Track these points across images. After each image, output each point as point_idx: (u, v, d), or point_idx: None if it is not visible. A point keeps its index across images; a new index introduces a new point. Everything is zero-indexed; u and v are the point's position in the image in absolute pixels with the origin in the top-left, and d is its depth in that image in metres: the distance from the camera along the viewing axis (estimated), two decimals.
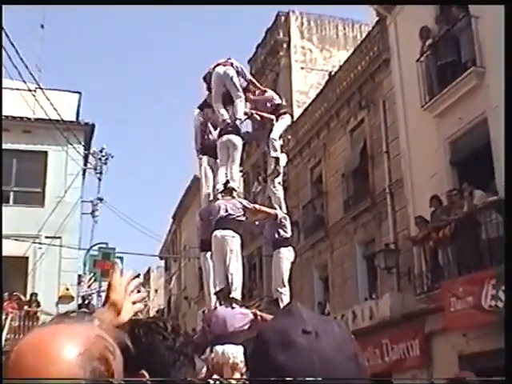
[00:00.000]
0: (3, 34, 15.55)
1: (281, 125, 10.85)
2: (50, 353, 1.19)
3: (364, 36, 23.76)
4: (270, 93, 11.34)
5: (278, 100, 11.20)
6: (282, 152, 11.10)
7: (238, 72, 10.59)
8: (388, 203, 19.06)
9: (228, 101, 10.60)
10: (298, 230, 21.70)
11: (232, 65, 10.63)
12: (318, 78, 28.09)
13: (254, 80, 11.36)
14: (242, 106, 10.54)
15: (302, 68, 28.85)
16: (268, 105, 10.90)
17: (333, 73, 24.51)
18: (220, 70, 10.56)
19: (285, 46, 29.39)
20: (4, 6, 14.13)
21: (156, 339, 2.31)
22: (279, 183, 10.72)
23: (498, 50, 14.58)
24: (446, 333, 15.25)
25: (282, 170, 10.65)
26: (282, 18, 30.01)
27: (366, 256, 20.73)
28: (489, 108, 14.96)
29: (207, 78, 10.85)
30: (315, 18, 30.15)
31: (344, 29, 30.42)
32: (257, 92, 11.10)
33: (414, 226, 16.95)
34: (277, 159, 10.57)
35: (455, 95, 15.98)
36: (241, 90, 10.52)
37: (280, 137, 10.81)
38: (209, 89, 10.89)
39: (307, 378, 1.33)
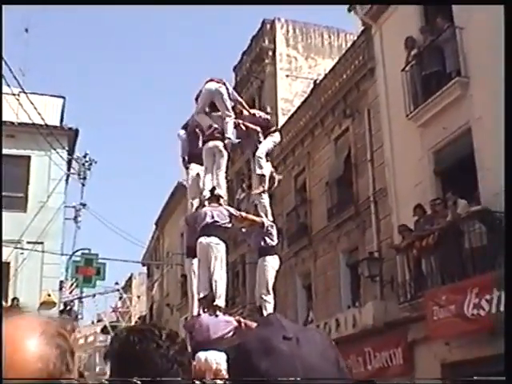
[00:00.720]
0: None
1: (269, 142, 10.84)
2: (17, 340, 1.26)
3: (349, 45, 23.83)
4: (258, 113, 11.37)
5: (267, 117, 11.24)
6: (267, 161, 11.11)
7: (228, 93, 10.58)
8: (372, 212, 19.10)
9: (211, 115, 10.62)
10: (281, 238, 21.64)
11: (225, 84, 10.64)
12: (303, 86, 28.15)
13: (243, 102, 11.37)
14: (231, 126, 10.54)
15: (287, 76, 28.90)
16: (259, 120, 10.91)
17: (318, 81, 24.57)
18: (212, 85, 10.55)
19: (270, 53, 29.42)
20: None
21: (150, 347, 2.29)
22: (263, 186, 10.72)
23: (483, 61, 14.72)
24: (428, 341, 15.29)
25: (266, 187, 10.62)
26: (268, 25, 30.05)
27: (350, 264, 20.75)
28: (472, 118, 15.06)
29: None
30: (301, 26, 30.21)
31: (329, 37, 30.50)
32: (244, 112, 11.09)
33: (397, 235, 17.00)
34: (262, 177, 10.55)
35: (439, 105, 16.06)
36: (231, 109, 10.52)
37: (267, 154, 10.79)
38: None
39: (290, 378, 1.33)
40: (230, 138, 10.53)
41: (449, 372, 14.67)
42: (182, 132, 11.18)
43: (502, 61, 13.82)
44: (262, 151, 10.60)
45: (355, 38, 23.10)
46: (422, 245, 15.27)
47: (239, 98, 11.20)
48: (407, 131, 17.33)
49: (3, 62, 17.13)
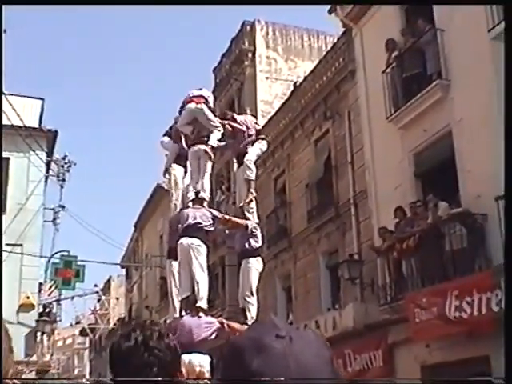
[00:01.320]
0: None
1: (257, 149, 10.82)
2: None
3: (329, 47, 23.87)
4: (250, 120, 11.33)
5: (258, 126, 11.22)
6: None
7: (209, 108, 10.59)
8: (352, 214, 19.11)
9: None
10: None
11: (206, 100, 10.62)
12: (283, 88, 28.17)
13: (232, 124, 11.35)
14: (216, 136, 10.53)
15: (267, 78, 28.91)
16: (249, 126, 10.87)
17: (298, 83, 24.57)
18: (192, 105, 10.52)
19: (250, 55, 29.41)
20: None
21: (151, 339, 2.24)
22: (251, 193, 10.69)
23: (464, 63, 14.78)
24: (408, 343, 15.32)
25: (254, 194, 10.59)
26: (248, 27, 30.04)
27: (330, 266, 20.75)
28: (453, 120, 15.11)
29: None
30: (280, 28, 30.24)
31: (309, 39, 30.55)
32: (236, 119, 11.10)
33: (377, 237, 17.01)
34: (250, 181, 10.53)
35: (420, 107, 16.10)
36: (215, 120, 10.51)
37: (255, 161, 10.78)
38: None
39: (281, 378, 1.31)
40: (212, 146, 10.55)
41: (429, 374, 14.70)
42: (167, 139, 11.15)
43: (483, 63, 13.98)
44: (251, 157, 10.57)
45: (335, 40, 23.15)
46: (402, 247, 15.29)
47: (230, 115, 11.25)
48: (387, 133, 17.36)
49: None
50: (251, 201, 10.48)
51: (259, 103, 28.21)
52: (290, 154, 23.61)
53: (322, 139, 21.79)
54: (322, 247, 20.95)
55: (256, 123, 11.25)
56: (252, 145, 10.66)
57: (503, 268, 9.33)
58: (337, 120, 20.60)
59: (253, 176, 10.56)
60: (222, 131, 10.57)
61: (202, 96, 10.61)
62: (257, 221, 10.57)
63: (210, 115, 10.50)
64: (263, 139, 11.09)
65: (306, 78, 23.66)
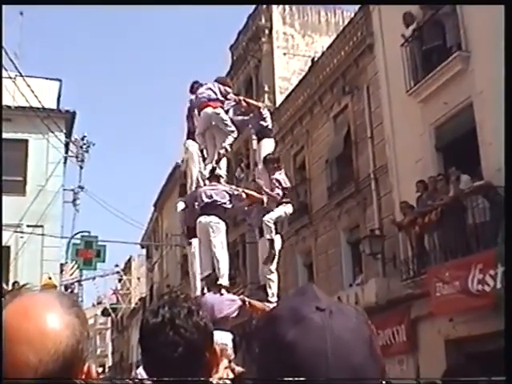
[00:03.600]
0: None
1: (281, 211, 10.46)
2: (41, 313, 1.30)
3: (347, 22, 23.65)
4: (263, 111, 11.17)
5: (288, 185, 10.84)
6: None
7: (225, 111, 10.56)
8: (372, 189, 19.02)
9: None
10: None
11: (222, 104, 10.53)
12: (301, 64, 27.98)
13: (247, 100, 11.30)
14: (230, 140, 10.51)
15: (285, 54, 28.72)
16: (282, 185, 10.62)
17: (316, 59, 24.40)
18: (209, 110, 10.44)
19: (267, 32, 29.23)
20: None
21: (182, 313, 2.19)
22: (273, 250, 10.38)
23: (484, 35, 14.56)
24: (432, 318, 15.23)
25: (277, 252, 10.31)
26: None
27: (351, 242, 20.70)
28: (474, 93, 14.92)
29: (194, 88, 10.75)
30: (297, 4, 30.01)
31: (326, 14, 30.32)
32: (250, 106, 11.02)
33: (399, 212, 16.91)
34: (271, 242, 10.17)
35: (440, 80, 15.92)
36: (232, 126, 10.46)
37: (275, 223, 10.41)
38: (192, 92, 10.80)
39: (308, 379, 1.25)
40: (227, 150, 10.53)
41: (452, 348, 14.64)
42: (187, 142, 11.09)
43: (503, 34, 13.74)
44: (272, 216, 10.20)
45: (352, 15, 22.92)
46: (424, 221, 15.18)
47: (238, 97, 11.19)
48: (407, 107, 17.20)
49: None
50: (273, 259, 10.15)
51: (277, 80, 28.06)
52: (309, 130, 23.49)
53: (341, 114, 21.66)
54: (342, 223, 20.88)
55: (286, 184, 10.81)
56: (277, 206, 10.32)
57: None
58: (356, 95, 20.45)
59: (273, 235, 10.19)
60: (235, 134, 10.54)
61: (217, 99, 10.46)
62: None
63: (227, 120, 10.45)
64: (288, 203, 10.69)
65: (323, 53, 23.50)
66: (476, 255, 13.42)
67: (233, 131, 10.48)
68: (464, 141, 15.29)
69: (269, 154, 10.62)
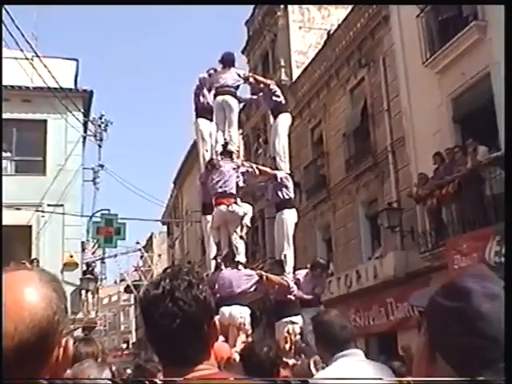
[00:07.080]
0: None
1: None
2: (20, 286, 1.40)
3: None
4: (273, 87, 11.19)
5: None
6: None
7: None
8: (390, 162, 18.95)
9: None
10: (299, 192, 21.63)
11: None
12: (317, 37, 27.76)
13: (256, 77, 11.38)
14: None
15: (300, 28, 28.48)
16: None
17: (331, 32, 24.24)
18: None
19: (282, 5, 29.02)
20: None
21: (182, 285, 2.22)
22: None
23: (500, 3, 14.37)
24: None
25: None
26: None
27: (369, 215, 20.67)
28: (491, 62, 14.75)
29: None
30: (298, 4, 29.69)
31: None
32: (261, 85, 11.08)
33: (416, 184, 16.84)
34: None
35: (457, 50, 15.79)
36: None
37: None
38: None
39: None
40: (238, 99, 10.62)
41: None
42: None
43: None
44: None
45: None
46: (441, 193, 15.12)
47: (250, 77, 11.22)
48: (424, 78, 17.08)
49: (15, 27, 17.00)
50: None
51: (293, 54, 27.88)
52: (326, 103, 23.41)
53: (358, 87, 21.55)
54: (360, 196, 20.85)
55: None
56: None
57: None
58: (372, 67, 20.33)
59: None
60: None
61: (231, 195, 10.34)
62: (288, 171, 10.53)
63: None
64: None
65: (339, 26, 23.31)
66: (494, 227, 13.36)
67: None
68: (481, 112, 15.17)
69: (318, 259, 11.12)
